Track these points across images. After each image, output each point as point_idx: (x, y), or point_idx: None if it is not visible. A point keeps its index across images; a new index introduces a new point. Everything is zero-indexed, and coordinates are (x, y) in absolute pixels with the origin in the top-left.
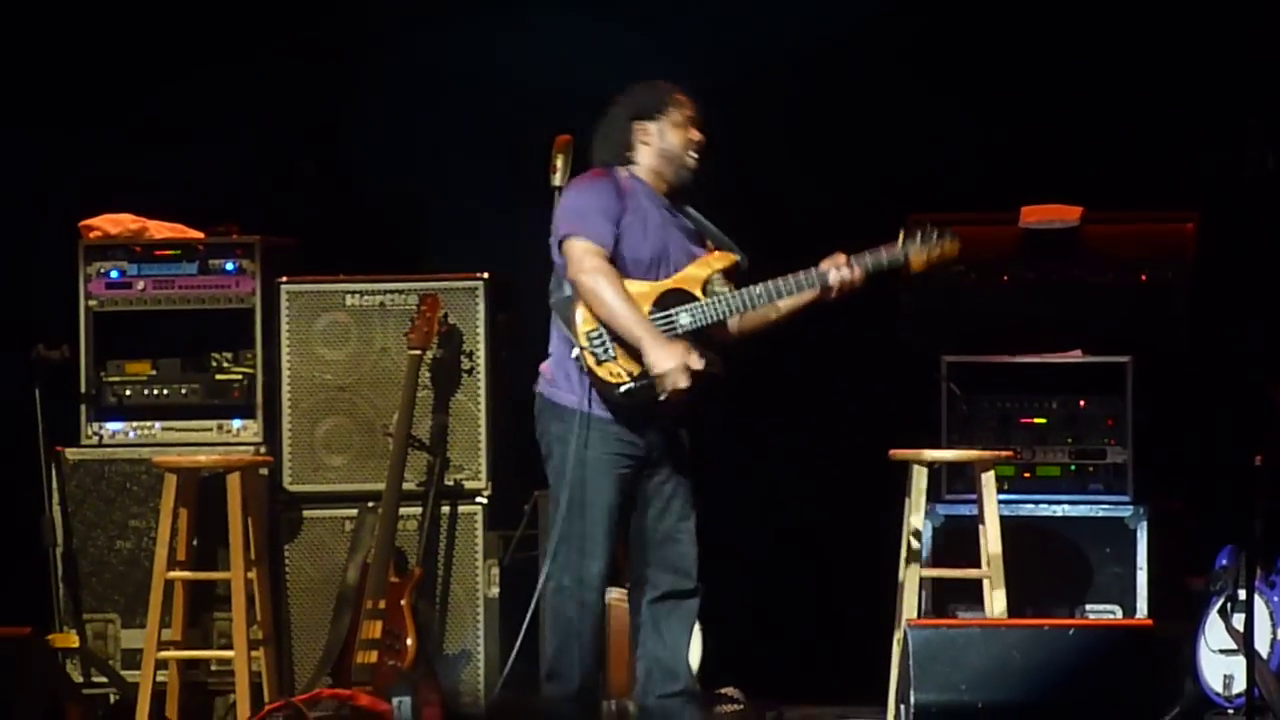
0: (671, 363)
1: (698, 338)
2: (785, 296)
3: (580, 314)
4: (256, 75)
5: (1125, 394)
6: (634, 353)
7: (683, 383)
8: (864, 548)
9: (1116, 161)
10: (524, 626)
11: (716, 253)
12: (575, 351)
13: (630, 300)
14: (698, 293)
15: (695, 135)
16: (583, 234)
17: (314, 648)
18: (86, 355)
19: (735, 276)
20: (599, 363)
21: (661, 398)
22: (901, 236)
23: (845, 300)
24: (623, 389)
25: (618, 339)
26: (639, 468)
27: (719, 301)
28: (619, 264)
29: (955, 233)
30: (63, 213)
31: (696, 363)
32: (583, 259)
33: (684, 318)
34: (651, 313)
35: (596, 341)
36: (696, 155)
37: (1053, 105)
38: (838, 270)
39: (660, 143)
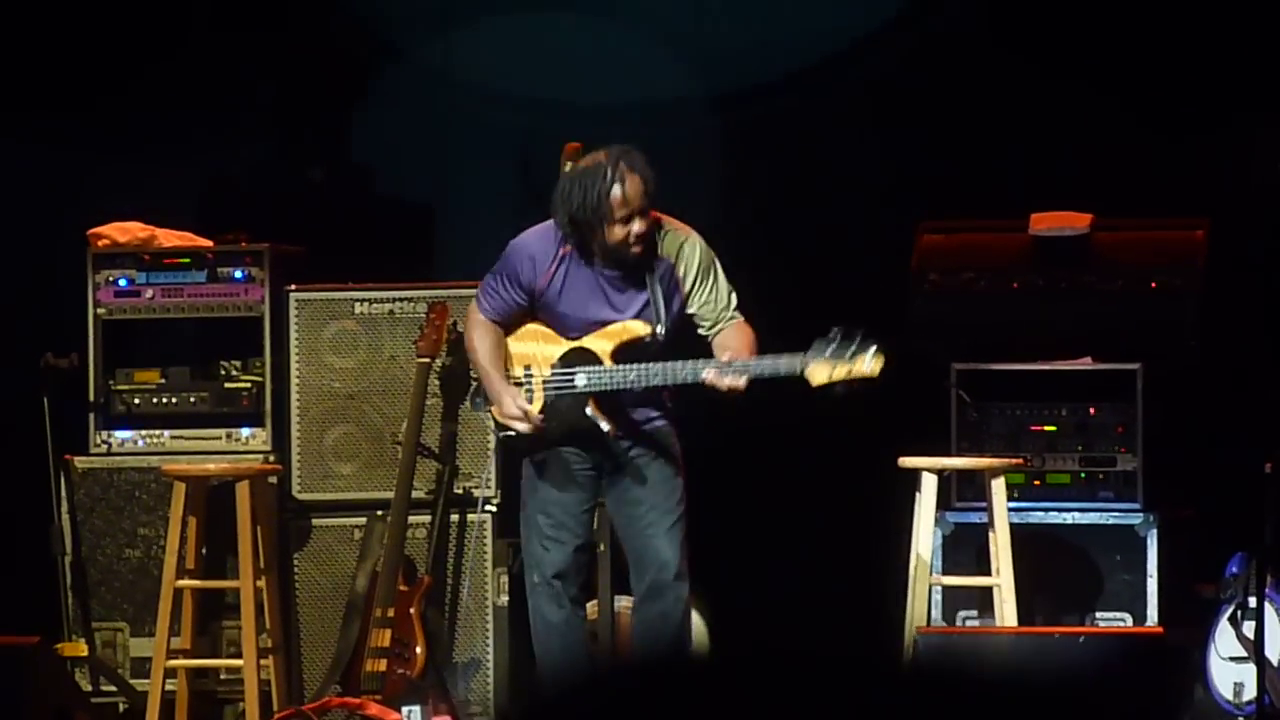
0: (503, 409)
1: (608, 399)
2: (669, 381)
3: None
4: (266, 83)
5: (1135, 401)
6: (529, 398)
7: (522, 427)
8: (873, 555)
9: (1126, 168)
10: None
11: (633, 321)
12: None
13: (488, 353)
14: (605, 357)
15: (637, 228)
16: (479, 297)
17: (323, 656)
18: (95, 363)
19: (645, 347)
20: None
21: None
22: (813, 344)
23: (732, 401)
24: (502, 434)
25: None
26: (596, 476)
27: (617, 371)
28: (552, 320)
29: (880, 349)
30: (71, 221)
31: (522, 422)
32: (469, 312)
33: (580, 379)
34: (555, 367)
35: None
36: (640, 244)
37: (1063, 111)
38: (712, 372)
39: (600, 239)
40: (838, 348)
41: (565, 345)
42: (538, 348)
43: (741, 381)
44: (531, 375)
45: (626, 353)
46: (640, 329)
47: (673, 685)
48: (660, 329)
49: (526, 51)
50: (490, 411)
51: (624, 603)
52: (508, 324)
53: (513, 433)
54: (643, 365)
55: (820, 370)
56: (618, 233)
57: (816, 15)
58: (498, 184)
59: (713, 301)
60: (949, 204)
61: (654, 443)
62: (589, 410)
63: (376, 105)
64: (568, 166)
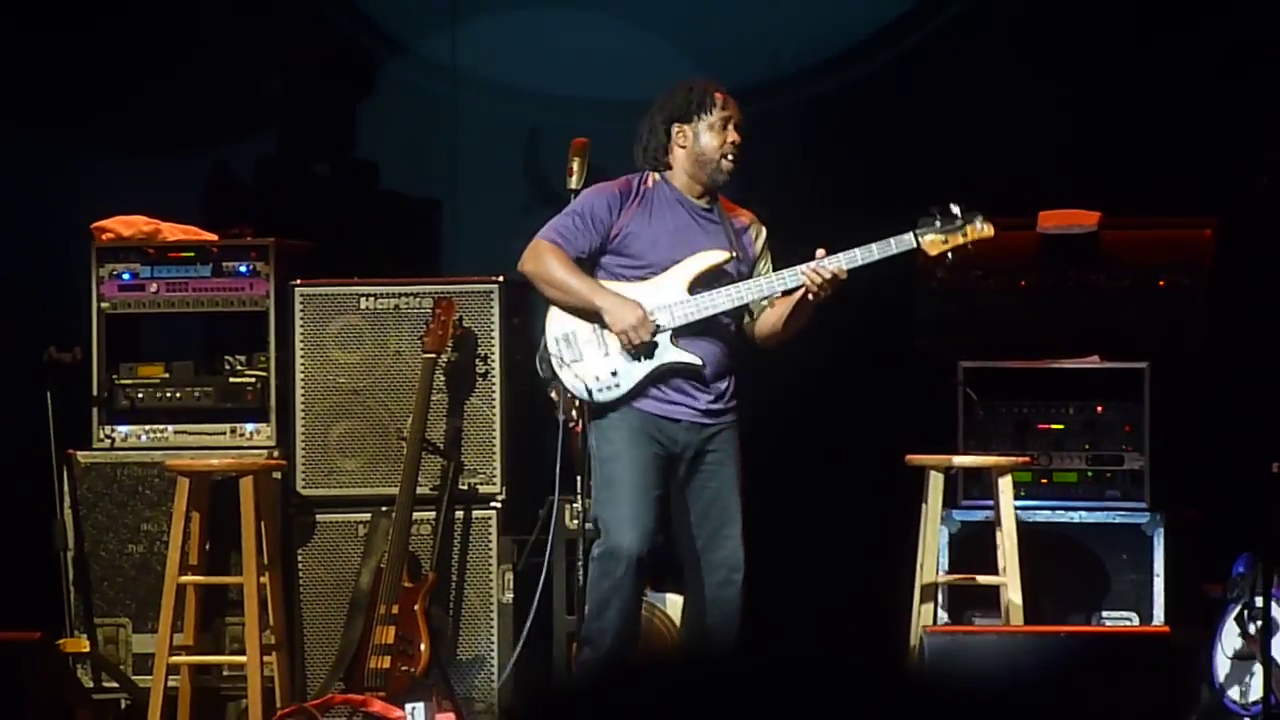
0: (629, 316)
1: (696, 331)
2: (766, 293)
3: (549, 318)
4: (272, 77)
5: (1143, 400)
6: (603, 351)
7: (640, 335)
8: (880, 553)
9: (1135, 167)
10: (524, 632)
11: (707, 251)
12: (538, 359)
13: (577, 272)
14: (681, 290)
15: (733, 137)
16: (547, 235)
17: (327, 653)
18: (99, 358)
19: (721, 276)
20: (573, 363)
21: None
22: (919, 221)
23: (833, 299)
24: (596, 391)
25: (582, 340)
26: (670, 461)
27: (704, 298)
28: (629, 259)
29: (987, 216)
30: (76, 215)
31: (643, 329)
32: (532, 250)
33: (663, 317)
34: None
35: (564, 346)
36: (733, 157)
37: (1071, 110)
38: (808, 272)
39: (695, 146)
40: (944, 221)
41: (634, 286)
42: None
43: (844, 269)
44: (599, 330)
45: (702, 284)
46: (717, 256)
47: (683, 683)
48: (739, 257)
49: (533, 46)
50: (562, 375)
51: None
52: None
53: (595, 389)
54: (729, 286)
55: (935, 242)
56: (715, 138)
57: (826, 10)
58: (504, 179)
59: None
60: (956, 201)
61: (728, 438)
62: (675, 348)
63: (383, 100)
64: (575, 162)
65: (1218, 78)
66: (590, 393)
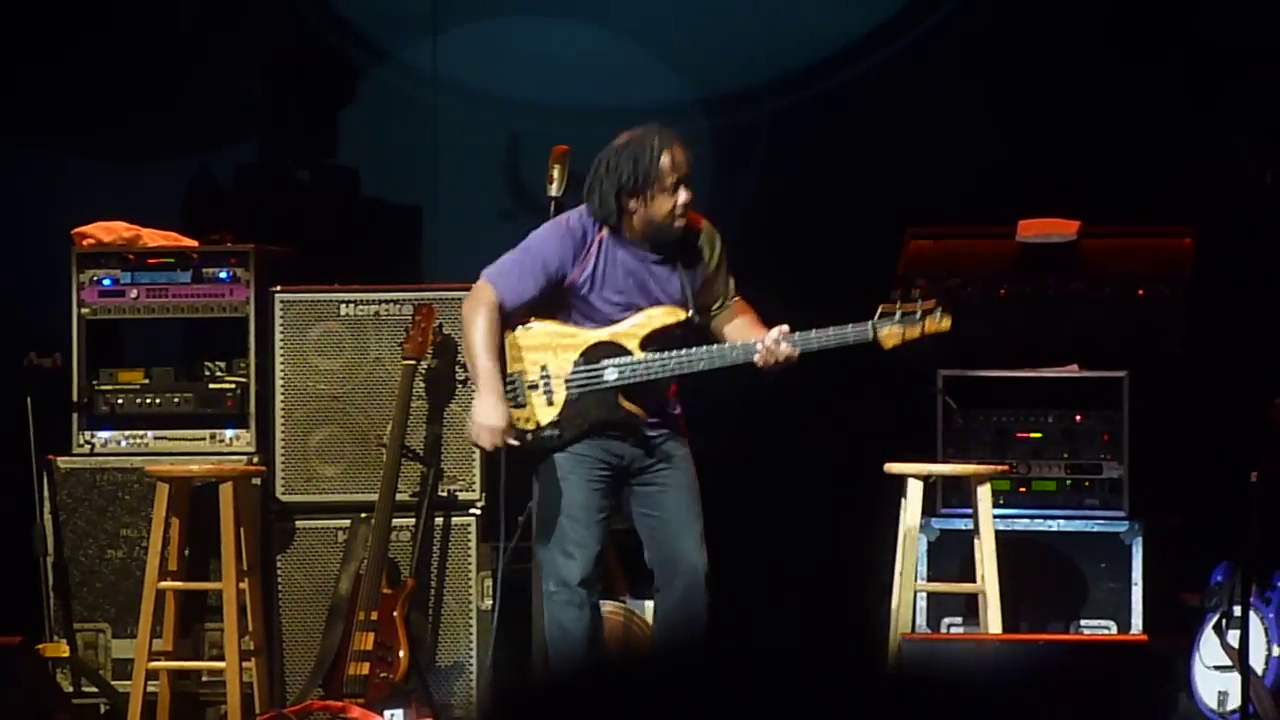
0: (483, 420)
1: (637, 388)
2: (718, 364)
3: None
4: (252, 83)
5: (1122, 409)
6: (547, 399)
7: (483, 441)
8: (858, 561)
9: (1114, 175)
10: (491, 636)
11: (664, 308)
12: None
13: (490, 348)
14: (633, 348)
15: (683, 197)
16: (494, 282)
17: (306, 659)
18: (79, 363)
19: (683, 332)
20: (515, 407)
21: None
22: (879, 311)
23: (781, 374)
24: (528, 436)
25: (527, 386)
26: (617, 477)
27: (655, 360)
28: (583, 310)
29: (946, 309)
30: (56, 220)
31: (506, 437)
32: (473, 296)
33: (610, 373)
34: (578, 364)
35: (509, 387)
36: (684, 216)
37: (1050, 119)
38: (763, 350)
39: (646, 213)
40: (903, 313)
41: (586, 340)
42: (552, 346)
43: (798, 352)
44: (549, 375)
45: (655, 341)
46: (672, 316)
47: (656, 685)
48: (693, 314)
49: (514, 54)
50: (529, 414)
51: (609, 607)
52: (518, 314)
53: (532, 433)
54: (683, 351)
55: (892, 334)
56: (665, 204)
57: (804, 19)
58: (485, 186)
59: (723, 285)
60: (936, 209)
61: (675, 446)
62: (621, 403)
63: (364, 106)
64: (556, 169)
65: (1196, 87)
66: (530, 439)
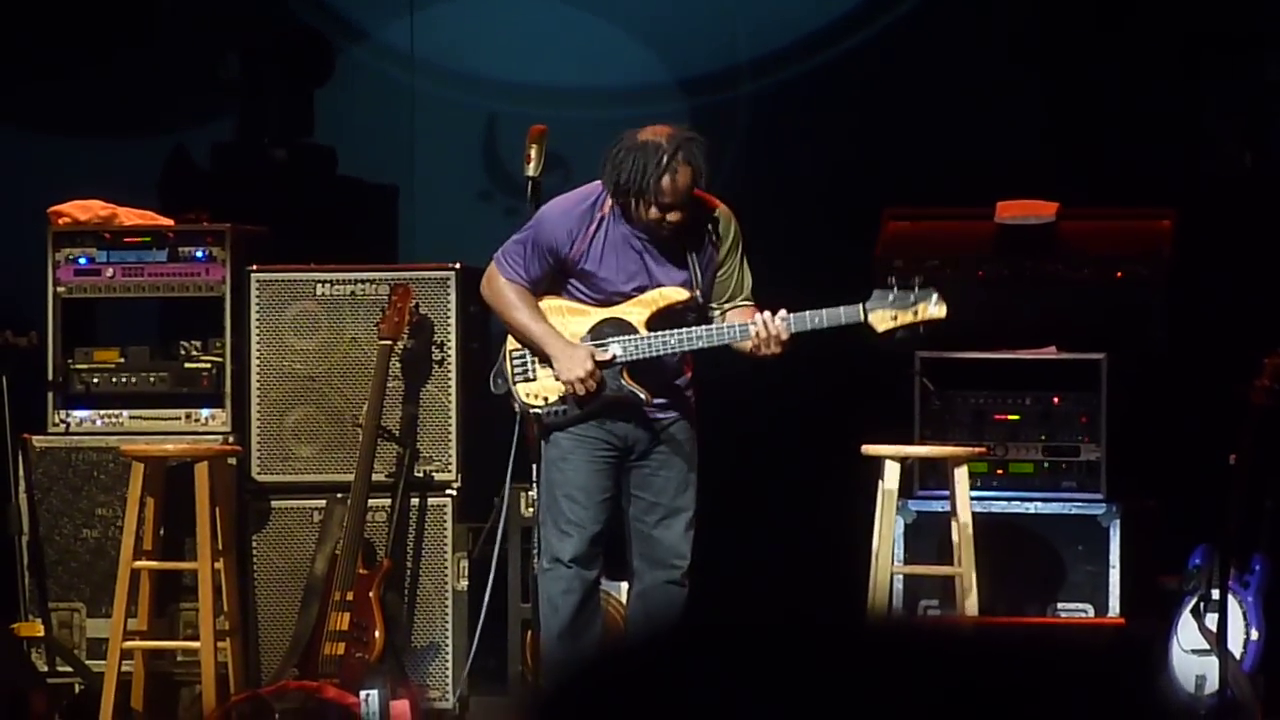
0: (570, 367)
1: (642, 368)
2: (715, 342)
3: (509, 334)
4: (229, 62)
5: (1099, 391)
6: (550, 373)
7: (580, 392)
8: (835, 544)
9: (1093, 158)
10: (479, 621)
11: (671, 287)
12: (493, 374)
13: (532, 313)
14: (639, 325)
15: (672, 218)
16: (502, 268)
17: (281, 639)
18: (54, 342)
19: (681, 314)
20: (525, 381)
21: (579, 410)
22: (872, 295)
23: (773, 358)
24: (544, 413)
25: (541, 359)
26: (620, 457)
27: (656, 338)
28: (586, 287)
29: (941, 296)
30: (31, 198)
31: (601, 354)
32: (489, 280)
33: (615, 348)
34: (585, 340)
35: (518, 361)
36: (671, 230)
37: (1029, 100)
38: (757, 326)
39: (636, 212)
40: (898, 295)
41: (594, 317)
42: (562, 322)
43: (787, 334)
44: None
45: (662, 320)
46: (678, 295)
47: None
48: (699, 294)
49: (491, 34)
50: (516, 389)
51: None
52: (534, 289)
53: (542, 409)
54: (684, 329)
55: (883, 318)
56: (653, 215)
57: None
58: (462, 166)
59: (738, 278)
60: (914, 190)
61: (680, 429)
62: (624, 381)
63: (341, 86)
64: (533, 149)
65: (1176, 69)
66: (539, 415)
